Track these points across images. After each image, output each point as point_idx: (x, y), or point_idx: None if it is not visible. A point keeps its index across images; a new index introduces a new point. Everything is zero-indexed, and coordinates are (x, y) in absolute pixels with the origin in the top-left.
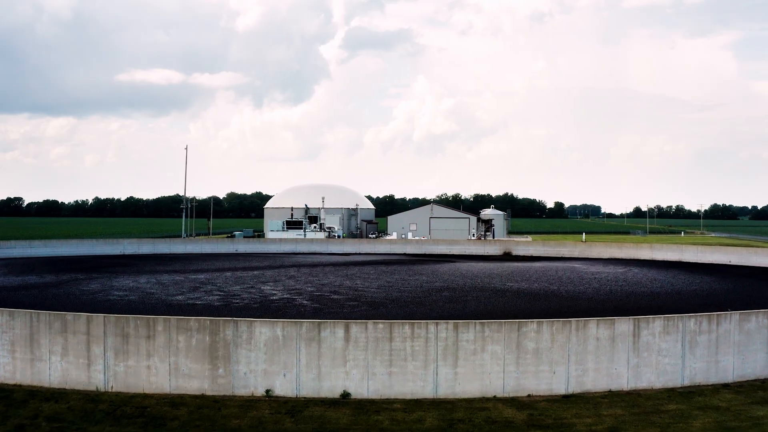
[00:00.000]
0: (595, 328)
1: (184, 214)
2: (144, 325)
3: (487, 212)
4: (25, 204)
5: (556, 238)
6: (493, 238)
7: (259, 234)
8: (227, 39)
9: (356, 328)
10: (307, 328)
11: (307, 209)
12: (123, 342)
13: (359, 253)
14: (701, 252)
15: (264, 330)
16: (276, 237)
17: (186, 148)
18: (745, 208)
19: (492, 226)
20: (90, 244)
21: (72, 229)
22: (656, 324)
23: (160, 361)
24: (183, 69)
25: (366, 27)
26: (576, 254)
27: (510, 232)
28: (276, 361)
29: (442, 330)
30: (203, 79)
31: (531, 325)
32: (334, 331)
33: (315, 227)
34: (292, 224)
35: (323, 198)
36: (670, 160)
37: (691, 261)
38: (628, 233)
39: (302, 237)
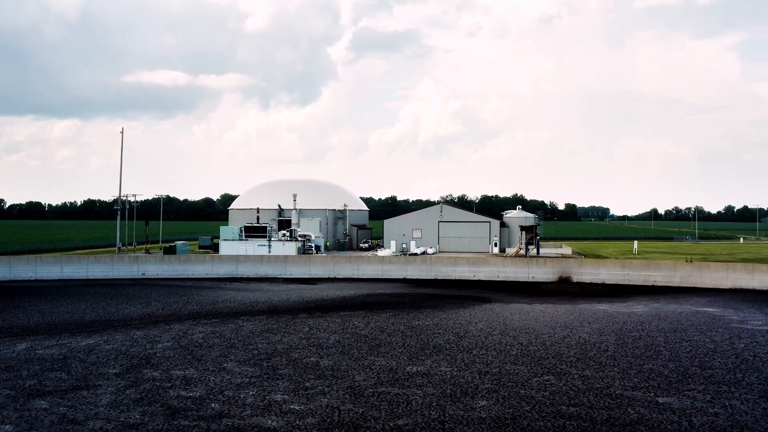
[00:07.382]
0: None
1: (118, 218)
2: None
3: (513, 214)
4: (7, 206)
5: (594, 246)
6: (538, 253)
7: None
8: (234, 40)
9: None
10: None
11: (280, 211)
12: None
13: (333, 279)
14: None
15: None
16: (228, 253)
17: (122, 131)
18: (761, 209)
19: (537, 235)
20: None
21: (37, 233)
22: None
23: None
24: (189, 70)
25: (373, 28)
26: (677, 281)
27: (541, 239)
28: None
29: None
30: (209, 81)
31: None
32: None
33: (284, 235)
34: (252, 231)
35: (295, 195)
36: (674, 162)
37: None
38: (672, 239)
39: (266, 250)
